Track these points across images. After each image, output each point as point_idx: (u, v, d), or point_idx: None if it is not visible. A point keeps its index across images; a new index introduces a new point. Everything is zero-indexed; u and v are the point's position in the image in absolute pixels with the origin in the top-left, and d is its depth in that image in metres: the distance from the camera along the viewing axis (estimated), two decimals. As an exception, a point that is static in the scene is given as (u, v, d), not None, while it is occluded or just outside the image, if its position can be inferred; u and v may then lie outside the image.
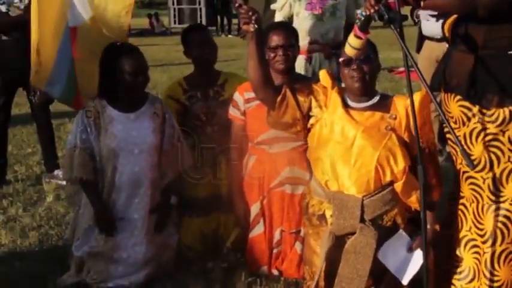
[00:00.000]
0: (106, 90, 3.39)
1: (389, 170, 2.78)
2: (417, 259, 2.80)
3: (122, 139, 3.31)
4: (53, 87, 3.74)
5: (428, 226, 2.80)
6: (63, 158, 5.21)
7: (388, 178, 2.81)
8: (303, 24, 4.41)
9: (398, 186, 2.84)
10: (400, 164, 2.77)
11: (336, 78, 3.11)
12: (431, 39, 5.14)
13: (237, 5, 2.84)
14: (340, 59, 2.86)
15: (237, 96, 3.53)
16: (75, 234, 3.43)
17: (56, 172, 5.18)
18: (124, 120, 3.36)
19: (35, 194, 4.86)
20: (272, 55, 3.36)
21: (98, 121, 3.33)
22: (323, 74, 3.01)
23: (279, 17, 4.62)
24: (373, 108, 2.87)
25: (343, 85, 3.00)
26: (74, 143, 3.32)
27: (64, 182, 4.70)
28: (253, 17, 2.77)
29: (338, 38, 4.52)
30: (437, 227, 2.91)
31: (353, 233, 2.83)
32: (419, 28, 5.32)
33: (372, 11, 2.53)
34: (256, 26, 2.78)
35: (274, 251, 3.47)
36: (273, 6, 4.74)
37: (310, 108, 2.92)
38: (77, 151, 3.29)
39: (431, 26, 4.98)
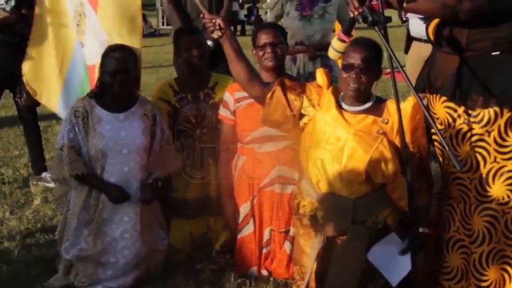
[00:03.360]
0: (96, 89, 3.40)
1: (380, 173, 2.79)
2: (407, 261, 2.81)
3: (110, 139, 3.30)
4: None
5: (420, 230, 2.81)
6: (50, 160, 5.21)
7: (379, 181, 2.81)
8: (290, 24, 4.44)
9: (390, 189, 2.85)
10: (391, 167, 2.77)
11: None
12: (419, 40, 5.14)
13: (201, 15, 2.92)
14: (343, 62, 2.86)
15: (227, 96, 3.54)
16: (64, 236, 3.41)
17: (43, 174, 5.14)
18: (113, 120, 3.35)
19: (22, 197, 4.81)
20: (261, 53, 3.41)
21: (86, 121, 3.32)
22: (320, 73, 3.02)
23: (270, 16, 4.67)
24: (366, 111, 2.87)
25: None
26: (61, 143, 3.31)
27: (52, 185, 4.70)
28: (217, 25, 2.89)
29: (324, 40, 4.53)
30: (426, 230, 2.91)
31: (344, 234, 2.83)
32: (408, 29, 5.33)
33: (356, 13, 2.55)
34: (219, 32, 2.90)
35: (264, 250, 3.47)
36: (265, 5, 4.79)
37: (301, 107, 2.92)
38: (65, 149, 3.29)
39: (419, 26, 4.99)
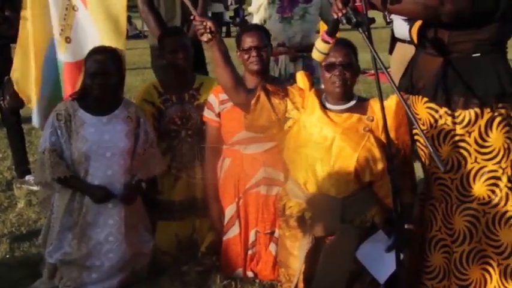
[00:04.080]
0: (79, 92, 3.40)
1: (368, 170, 2.79)
2: (394, 258, 2.82)
3: (93, 142, 3.28)
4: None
5: (405, 226, 2.82)
6: (34, 163, 5.17)
7: (367, 179, 2.82)
8: (272, 26, 4.44)
9: (376, 187, 2.86)
10: (379, 164, 2.78)
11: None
12: (403, 41, 5.17)
13: (192, 17, 2.86)
14: (323, 63, 2.86)
15: (212, 98, 3.53)
16: (48, 239, 3.39)
17: (27, 177, 5.11)
18: (96, 123, 3.33)
19: (5, 200, 4.78)
20: (246, 56, 3.39)
21: (69, 124, 3.30)
22: (300, 76, 3.02)
23: (255, 20, 4.68)
24: (350, 110, 2.88)
25: (322, 86, 3.00)
26: (44, 147, 3.30)
27: (35, 188, 4.66)
28: (208, 28, 2.81)
29: (306, 41, 4.54)
30: (411, 226, 2.92)
31: (333, 234, 2.83)
32: (392, 30, 5.35)
33: (340, 14, 2.54)
34: (210, 36, 2.81)
35: (249, 252, 3.47)
36: (250, 9, 4.79)
37: (286, 111, 2.92)
38: (46, 153, 3.26)
39: (403, 28, 5.02)
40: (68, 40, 3.66)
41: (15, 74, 3.82)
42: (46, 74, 3.73)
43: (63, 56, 3.69)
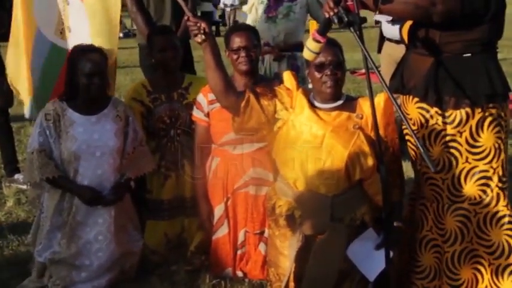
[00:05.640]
0: (67, 92, 3.36)
1: (359, 167, 2.80)
2: (383, 256, 2.83)
3: (83, 142, 3.28)
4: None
5: (395, 224, 2.84)
6: (23, 161, 5.15)
7: (357, 176, 2.82)
8: (259, 26, 4.47)
9: (366, 185, 2.87)
10: (369, 161, 2.78)
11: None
12: (391, 40, 5.20)
13: (186, 17, 2.86)
14: (313, 63, 2.85)
15: (201, 98, 3.52)
16: (38, 238, 3.38)
17: (16, 176, 5.09)
18: (85, 122, 3.32)
19: (-6, 199, 4.76)
20: (235, 57, 3.38)
21: (58, 124, 3.29)
22: (287, 76, 3.02)
23: (248, 21, 4.73)
24: (339, 108, 2.89)
25: (310, 86, 3.00)
26: (32, 147, 3.29)
27: (24, 186, 4.65)
28: (202, 29, 2.80)
29: (290, 40, 4.57)
30: (400, 224, 2.94)
31: (323, 232, 2.84)
32: (380, 29, 5.39)
33: (331, 13, 2.54)
34: (203, 36, 2.80)
35: (239, 252, 3.48)
36: (243, 9, 4.83)
37: (275, 111, 2.92)
38: (35, 153, 3.26)
39: (391, 27, 5.05)
40: (69, 29, 3.67)
41: (8, 70, 3.80)
42: (35, 65, 3.71)
43: (66, 44, 3.69)
